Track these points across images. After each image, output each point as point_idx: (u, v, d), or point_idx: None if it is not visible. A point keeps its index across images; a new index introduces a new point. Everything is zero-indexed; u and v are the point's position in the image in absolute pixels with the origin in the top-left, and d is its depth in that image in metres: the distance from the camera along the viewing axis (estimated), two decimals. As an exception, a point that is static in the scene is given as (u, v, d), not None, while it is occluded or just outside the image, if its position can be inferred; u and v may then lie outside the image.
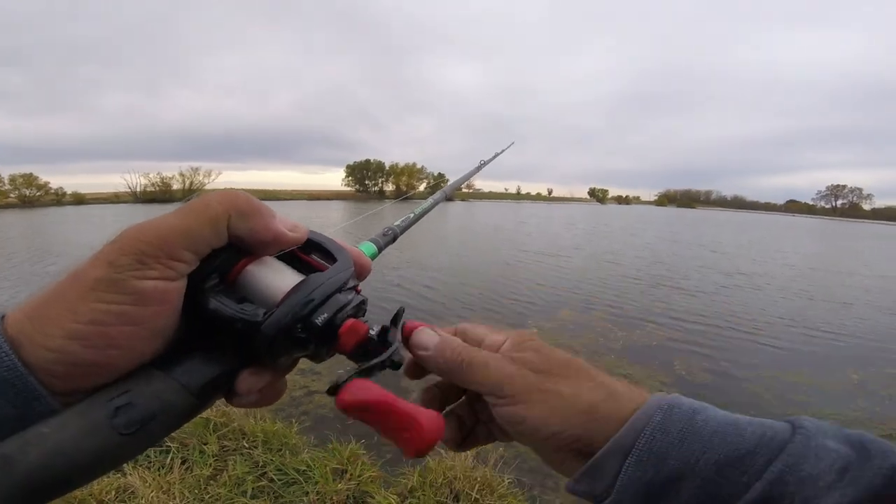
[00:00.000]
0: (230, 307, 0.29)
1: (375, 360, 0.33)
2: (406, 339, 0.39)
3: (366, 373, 0.33)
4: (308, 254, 0.36)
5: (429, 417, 0.31)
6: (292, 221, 0.33)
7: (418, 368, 0.40)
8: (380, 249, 0.48)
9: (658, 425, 0.32)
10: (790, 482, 0.28)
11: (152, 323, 0.27)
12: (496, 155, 1.17)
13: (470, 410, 0.41)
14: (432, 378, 0.41)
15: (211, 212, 0.28)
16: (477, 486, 2.31)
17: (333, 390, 0.31)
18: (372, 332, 0.33)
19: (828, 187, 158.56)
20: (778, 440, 0.30)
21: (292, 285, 0.31)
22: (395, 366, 0.35)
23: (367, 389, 0.31)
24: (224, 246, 0.30)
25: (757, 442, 0.30)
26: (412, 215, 0.61)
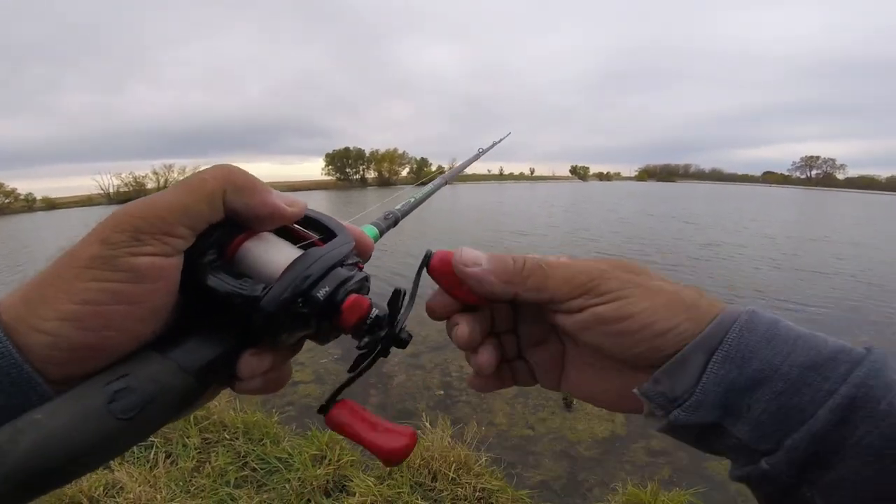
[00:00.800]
0: (228, 283, 0.28)
1: (368, 356, 0.33)
2: (434, 270, 0.36)
3: (360, 372, 0.34)
4: (307, 231, 0.35)
5: (390, 448, 0.32)
6: (290, 197, 0.32)
7: (450, 305, 0.36)
8: (381, 233, 0.48)
9: (745, 324, 0.30)
10: (876, 386, 0.26)
11: (149, 302, 0.26)
12: (494, 144, 1.18)
13: (515, 342, 0.39)
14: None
15: (206, 187, 0.28)
16: (454, 465, 2.36)
17: (323, 410, 0.33)
18: (375, 310, 0.32)
19: (802, 158, 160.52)
20: (856, 353, 0.28)
21: (291, 260, 0.30)
22: (402, 344, 0.34)
23: (345, 416, 0.33)
24: (221, 222, 0.29)
25: (839, 350, 0.28)
26: (413, 199, 0.61)
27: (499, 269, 0.34)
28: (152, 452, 2.31)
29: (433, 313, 0.37)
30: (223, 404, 2.77)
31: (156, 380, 0.25)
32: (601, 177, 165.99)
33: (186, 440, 2.43)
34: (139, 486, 2.05)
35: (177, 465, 2.28)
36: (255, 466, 2.33)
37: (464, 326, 0.35)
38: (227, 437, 2.51)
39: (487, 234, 14.60)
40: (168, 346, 0.27)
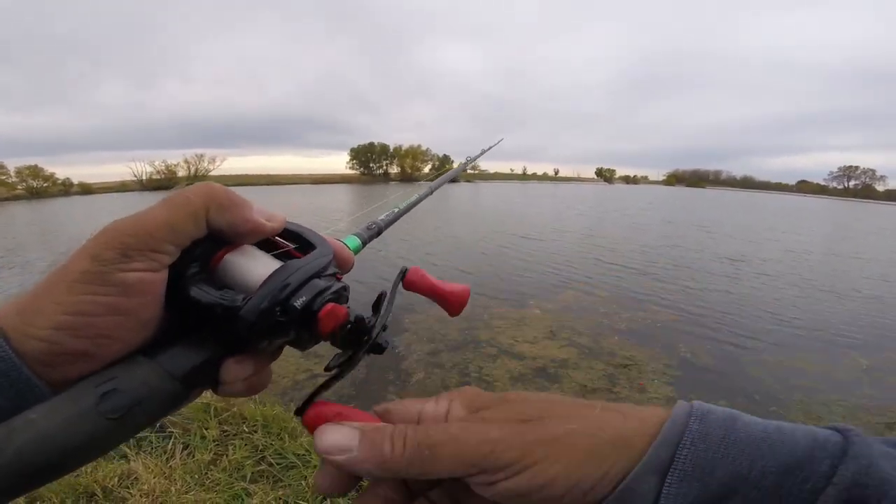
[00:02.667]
0: (210, 294, 0.30)
1: (340, 361, 0.33)
2: (411, 284, 0.39)
3: (336, 376, 0.34)
4: (288, 243, 0.37)
5: None
6: (270, 211, 0.34)
7: (343, 478, 0.31)
8: (364, 243, 0.49)
9: (697, 434, 0.26)
10: (869, 484, 0.24)
11: (137, 313, 0.28)
12: (483, 151, 1.18)
13: (444, 495, 0.32)
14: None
15: (191, 205, 0.29)
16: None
17: (299, 412, 0.33)
18: (351, 318, 0.33)
19: (840, 168, 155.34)
20: (833, 443, 0.26)
21: (270, 272, 0.31)
22: (378, 349, 0.34)
23: (320, 419, 0.32)
24: (204, 237, 0.31)
25: (812, 445, 0.26)
26: (396, 210, 0.61)
27: (373, 458, 0.28)
28: (171, 443, 2.29)
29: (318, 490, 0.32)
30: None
31: (144, 383, 0.27)
32: (627, 180, 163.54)
33: (205, 431, 2.40)
34: (154, 477, 2.02)
35: (193, 456, 2.25)
36: (272, 461, 2.29)
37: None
38: (246, 430, 2.47)
39: (496, 236, 14.45)
40: (156, 352, 0.28)
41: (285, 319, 0.30)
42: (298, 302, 0.31)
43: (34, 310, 0.26)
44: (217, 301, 0.29)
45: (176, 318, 0.30)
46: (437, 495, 0.32)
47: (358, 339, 0.33)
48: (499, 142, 1.31)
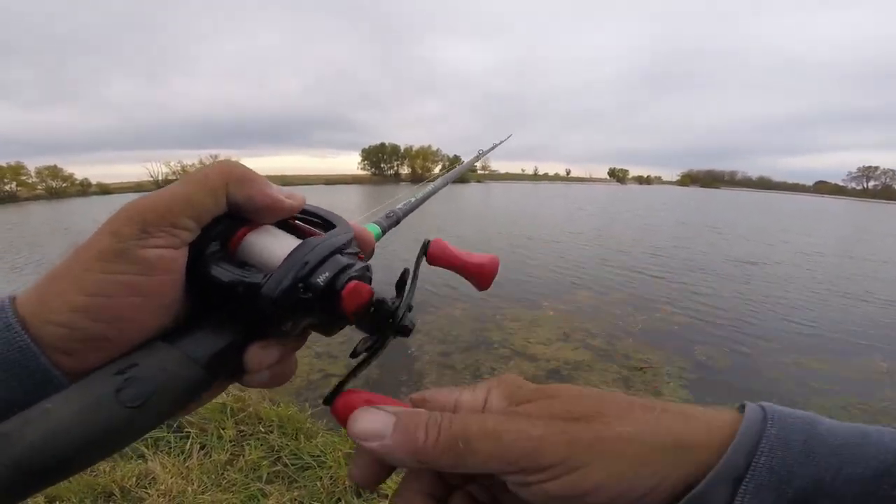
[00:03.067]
0: (232, 272, 0.29)
1: (368, 346, 0.33)
2: (434, 258, 0.37)
3: (364, 363, 0.33)
4: (308, 224, 0.36)
5: None
6: (289, 190, 0.33)
7: (377, 468, 0.30)
8: (383, 231, 0.48)
9: (776, 439, 0.24)
10: None
11: (158, 293, 0.27)
12: (494, 146, 1.17)
13: (483, 490, 0.31)
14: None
15: (210, 180, 0.29)
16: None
17: (327, 401, 0.32)
18: (376, 297, 0.32)
19: (859, 168, 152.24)
20: None
21: (291, 249, 0.31)
22: (404, 331, 0.33)
23: (353, 404, 0.31)
24: (223, 215, 0.30)
25: None
26: (413, 199, 0.61)
27: (406, 446, 0.27)
28: (188, 443, 2.30)
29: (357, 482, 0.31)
30: (258, 397, 2.75)
31: (164, 369, 0.26)
32: (640, 180, 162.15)
33: (222, 432, 2.41)
34: (171, 477, 2.03)
35: (210, 457, 2.26)
36: (288, 462, 2.29)
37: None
38: (262, 430, 2.47)
39: (507, 236, 14.41)
40: (176, 337, 0.27)
41: (308, 297, 0.29)
42: (321, 278, 0.30)
43: (52, 292, 0.25)
44: (238, 279, 0.29)
45: (197, 302, 0.30)
46: (476, 489, 0.30)
47: (383, 320, 0.32)
48: (508, 137, 1.31)
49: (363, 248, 0.37)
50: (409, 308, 0.34)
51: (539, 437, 0.25)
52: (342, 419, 0.30)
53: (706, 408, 0.27)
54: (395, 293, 0.34)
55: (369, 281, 0.34)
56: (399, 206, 0.57)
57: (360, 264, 0.33)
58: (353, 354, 0.33)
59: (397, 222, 0.53)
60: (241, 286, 0.29)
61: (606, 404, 0.27)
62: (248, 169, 0.31)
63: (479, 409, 0.30)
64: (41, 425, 0.21)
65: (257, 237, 0.32)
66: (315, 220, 0.36)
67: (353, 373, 0.33)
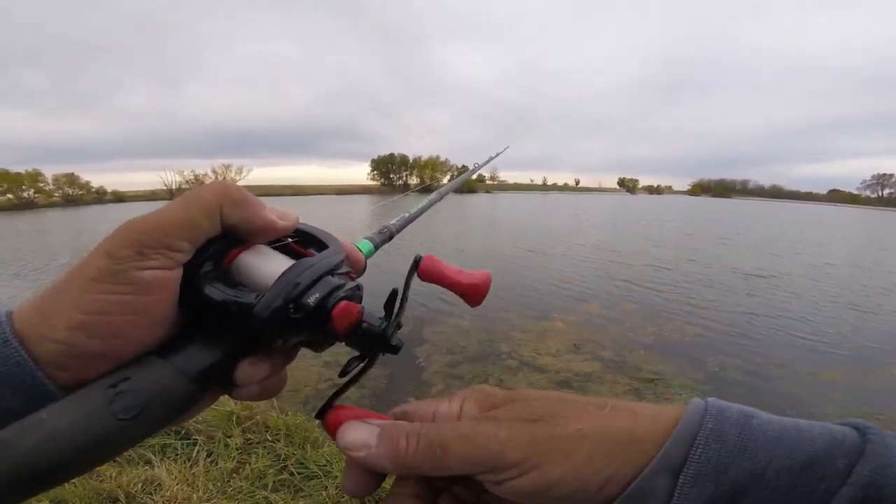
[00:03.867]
0: (224, 291, 0.30)
1: (355, 365, 0.34)
2: (425, 274, 0.37)
3: (355, 378, 0.35)
4: (300, 243, 0.37)
5: None
6: (282, 210, 0.34)
7: (366, 474, 0.31)
8: (376, 247, 0.48)
9: (712, 433, 0.26)
10: (885, 485, 0.23)
11: (152, 311, 0.28)
12: (490, 159, 1.18)
13: (466, 490, 0.33)
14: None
15: (205, 203, 0.29)
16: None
17: (319, 415, 0.34)
18: (366, 316, 0.33)
19: (873, 176, 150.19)
20: (850, 441, 0.25)
21: (283, 269, 0.31)
22: (393, 350, 0.34)
23: (342, 419, 0.33)
24: (218, 235, 0.31)
25: (828, 444, 0.25)
26: (407, 214, 0.61)
27: (390, 454, 0.29)
28: (195, 450, 2.30)
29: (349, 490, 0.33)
30: (266, 405, 2.75)
31: (157, 382, 0.26)
32: (651, 190, 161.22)
33: (228, 440, 2.41)
34: (177, 483, 2.03)
35: (217, 464, 2.25)
36: (294, 471, 2.28)
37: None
38: (269, 438, 2.47)
39: (516, 248, 14.39)
40: (169, 352, 0.28)
41: (299, 317, 0.30)
42: (312, 299, 0.30)
43: (51, 310, 0.26)
44: (230, 299, 0.29)
45: (189, 318, 0.30)
46: (461, 490, 0.33)
47: (373, 339, 0.33)
48: (505, 149, 1.31)
49: (354, 268, 0.38)
50: (399, 326, 0.34)
51: (504, 439, 0.27)
52: (332, 432, 0.33)
53: (655, 405, 0.30)
54: (384, 312, 0.35)
55: (360, 300, 0.34)
56: (393, 221, 0.56)
57: (350, 284, 0.34)
58: (343, 373, 0.34)
59: (390, 238, 0.53)
60: (234, 305, 0.29)
61: (564, 405, 0.29)
62: (244, 190, 0.31)
63: (455, 418, 0.32)
64: (37, 434, 0.22)
65: (250, 257, 0.32)
66: (307, 238, 0.37)
67: (343, 389, 0.35)
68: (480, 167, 1.11)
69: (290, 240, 0.36)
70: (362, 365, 0.35)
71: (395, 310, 0.35)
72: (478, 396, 0.33)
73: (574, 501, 0.27)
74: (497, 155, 1.22)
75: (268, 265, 0.32)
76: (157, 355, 0.28)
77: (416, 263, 0.38)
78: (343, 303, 0.31)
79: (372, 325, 0.33)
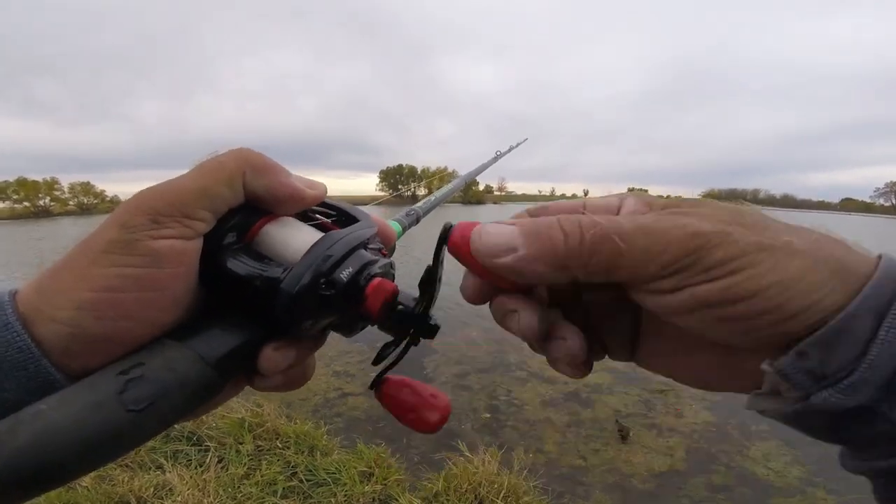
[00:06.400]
0: (248, 265, 0.27)
1: (390, 352, 0.32)
2: (457, 247, 0.28)
3: (396, 356, 0.33)
4: (329, 217, 0.34)
5: (421, 426, 0.32)
6: (310, 180, 0.31)
7: (488, 289, 0.29)
8: (404, 229, 0.46)
9: None
10: None
11: (168, 288, 0.25)
12: (511, 148, 1.18)
13: (580, 313, 0.30)
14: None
15: (226, 169, 0.27)
16: (503, 491, 2.29)
17: (373, 386, 0.33)
18: (401, 297, 0.30)
19: (887, 184, 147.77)
20: None
21: (312, 242, 0.29)
22: (431, 332, 0.31)
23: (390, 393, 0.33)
24: (241, 206, 0.28)
25: None
26: (433, 198, 0.62)
27: (546, 253, 0.24)
28: (208, 456, 2.33)
29: (469, 299, 0.30)
30: (276, 412, 2.79)
31: (172, 369, 0.24)
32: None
33: (240, 446, 2.44)
34: (188, 489, 2.06)
35: (227, 470, 2.28)
36: (304, 478, 2.30)
37: (527, 317, 0.27)
38: (280, 445, 2.50)
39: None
40: (186, 335, 0.25)
41: (330, 293, 0.27)
42: (344, 274, 0.28)
43: (56, 288, 0.23)
44: (256, 272, 0.27)
45: (209, 297, 0.28)
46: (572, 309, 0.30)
47: (409, 320, 0.30)
48: (524, 140, 1.30)
49: (385, 243, 0.35)
50: (430, 303, 0.31)
51: (709, 233, 0.23)
52: (386, 402, 0.33)
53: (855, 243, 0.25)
54: (418, 292, 0.31)
55: (392, 278, 0.32)
56: (419, 204, 0.56)
57: (383, 260, 0.31)
58: (377, 360, 0.32)
59: (417, 220, 0.52)
60: (259, 280, 0.27)
61: (768, 219, 0.25)
62: (267, 157, 0.29)
63: (614, 213, 0.27)
64: (34, 427, 0.20)
65: (276, 229, 0.30)
66: (336, 214, 0.34)
67: (393, 364, 0.33)
68: (503, 155, 1.11)
69: (317, 214, 0.34)
70: (400, 348, 0.32)
71: (435, 287, 0.31)
72: (643, 197, 0.28)
73: (757, 324, 0.23)
74: (518, 145, 1.23)
75: (296, 237, 0.29)
76: (173, 338, 0.25)
77: (445, 235, 0.29)
78: (377, 279, 0.29)
79: (407, 305, 0.30)
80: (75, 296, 0.23)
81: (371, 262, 0.30)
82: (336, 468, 2.38)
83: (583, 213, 0.26)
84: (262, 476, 2.25)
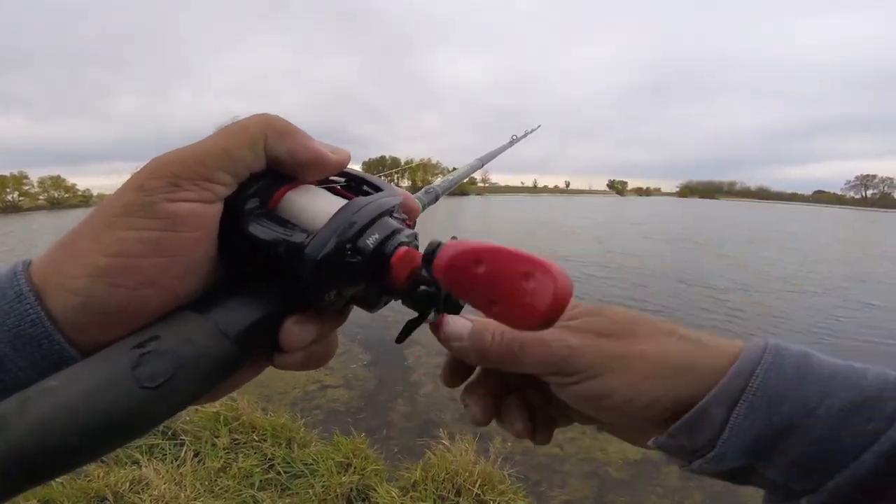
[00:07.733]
0: (271, 230, 0.26)
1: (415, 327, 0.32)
2: (440, 272, 0.27)
3: (420, 317, 0.32)
4: (350, 188, 0.33)
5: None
6: (333, 145, 0.30)
7: (458, 368, 0.37)
8: (424, 207, 0.46)
9: (771, 367, 0.28)
10: None
11: (187, 254, 0.24)
12: (526, 133, 1.18)
13: (536, 394, 0.37)
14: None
15: (248, 132, 0.26)
16: (479, 480, 2.33)
17: (429, 258, 0.27)
18: (424, 269, 0.29)
19: (857, 177, 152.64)
20: None
21: (336, 209, 0.28)
22: (456, 308, 0.31)
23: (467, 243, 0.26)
24: (263, 172, 0.27)
25: (882, 385, 0.26)
26: (452, 177, 0.62)
27: (478, 347, 0.33)
28: (183, 450, 2.34)
29: (446, 384, 0.38)
30: (252, 406, 2.79)
31: (190, 341, 0.22)
32: (640, 192, 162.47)
33: (216, 440, 2.45)
34: (165, 483, 2.06)
35: (204, 464, 2.29)
36: (281, 470, 2.33)
37: (473, 410, 0.36)
38: (256, 438, 2.51)
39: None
40: (205, 306, 0.24)
41: (356, 261, 0.27)
42: (370, 240, 0.27)
43: (69, 254, 0.23)
44: (280, 237, 0.26)
45: (228, 269, 0.27)
46: (533, 394, 0.37)
47: (432, 295, 0.30)
48: (537, 127, 1.29)
49: (409, 217, 0.35)
50: None
51: (574, 347, 0.30)
52: (448, 264, 0.26)
53: (720, 338, 0.32)
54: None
55: (417, 249, 0.31)
56: (437, 182, 0.56)
57: (408, 231, 0.31)
58: (400, 339, 0.34)
59: (436, 199, 0.52)
60: (283, 246, 0.26)
61: (636, 326, 0.32)
62: (289, 122, 0.28)
63: None
64: (43, 406, 0.18)
65: (299, 195, 0.29)
66: (357, 184, 0.34)
67: (416, 325, 0.32)
68: (519, 139, 1.12)
69: (339, 183, 0.33)
70: (422, 318, 0.32)
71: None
72: (572, 308, 0.34)
73: (623, 413, 0.30)
74: (532, 131, 1.23)
75: (320, 204, 0.29)
76: (191, 310, 0.24)
77: (432, 254, 0.28)
78: (404, 248, 0.28)
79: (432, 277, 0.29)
80: (89, 261, 0.22)
81: (398, 231, 0.29)
82: (313, 460, 2.40)
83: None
84: (238, 469, 2.27)
